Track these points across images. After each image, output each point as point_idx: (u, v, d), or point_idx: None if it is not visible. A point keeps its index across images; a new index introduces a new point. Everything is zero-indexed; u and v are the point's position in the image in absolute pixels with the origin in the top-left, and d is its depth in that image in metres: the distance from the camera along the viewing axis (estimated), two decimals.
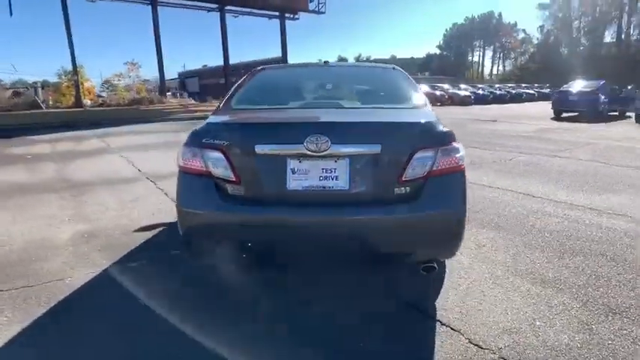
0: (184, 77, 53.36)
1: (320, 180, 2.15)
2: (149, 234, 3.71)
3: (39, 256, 3.24)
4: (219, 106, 2.88)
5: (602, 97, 15.97)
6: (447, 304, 2.50)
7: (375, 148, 2.12)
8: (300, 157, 2.14)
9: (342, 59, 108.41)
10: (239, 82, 3.19)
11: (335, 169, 2.15)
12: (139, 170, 6.62)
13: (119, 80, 23.33)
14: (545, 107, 22.15)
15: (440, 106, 27.22)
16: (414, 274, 2.88)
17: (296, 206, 2.15)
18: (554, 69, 49.20)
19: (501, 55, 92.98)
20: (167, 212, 4.31)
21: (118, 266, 3.05)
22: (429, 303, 2.51)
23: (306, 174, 2.15)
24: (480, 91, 32.83)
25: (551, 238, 3.55)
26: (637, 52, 44.98)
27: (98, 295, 2.66)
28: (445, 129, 2.27)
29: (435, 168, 2.17)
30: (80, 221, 4.10)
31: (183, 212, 2.30)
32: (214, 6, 24.45)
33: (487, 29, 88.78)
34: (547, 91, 38.38)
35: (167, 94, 26.38)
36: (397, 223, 2.13)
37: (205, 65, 53.56)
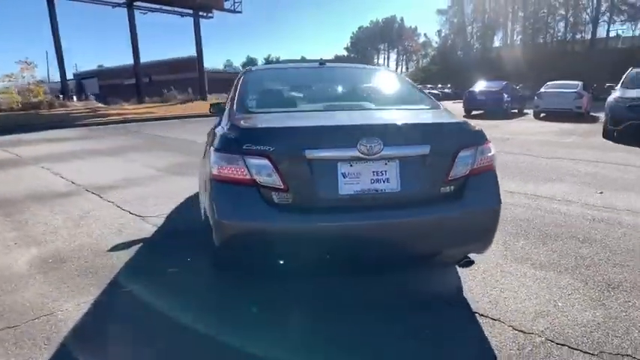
0: (81, 78, 48.94)
1: (371, 183, 2.11)
2: (128, 253, 3.33)
3: (3, 289, 2.74)
4: (230, 110, 2.66)
5: (506, 96, 17.79)
6: (473, 296, 2.59)
7: (425, 149, 2.14)
8: (352, 160, 2.08)
9: (250, 60, 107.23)
10: (237, 84, 2.99)
11: (385, 171, 2.12)
12: (73, 182, 5.91)
13: (10, 81, 20.62)
14: (453, 106, 24.06)
15: None
16: (429, 272, 2.96)
17: (350, 212, 2.08)
18: (453, 70, 53.64)
19: (404, 57, 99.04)
20: (134, 228, 3.92)
21: (111, 293, 2.69)
22: (457, 297, 2.59)
23: (357, 178, 2.09)
24: None
25: (526, 226, 3.86)
26: (521, 54, 50.82)
27: (110, 329, 2.31)
28: (479, 129, 2.36)
29: (474, 167, 2.24)
30: (31, 244, 3.54)
31: (224, 224, 2.10)
32: (122, 1, 22.70)
33: (391, 33, 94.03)
34: (449, 91, 41.61)
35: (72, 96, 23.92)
36: (447, 222, 2.17)
37: (101, 65, 49.82)
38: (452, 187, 2.21)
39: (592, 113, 16.50)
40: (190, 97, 26.73)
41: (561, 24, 51.03)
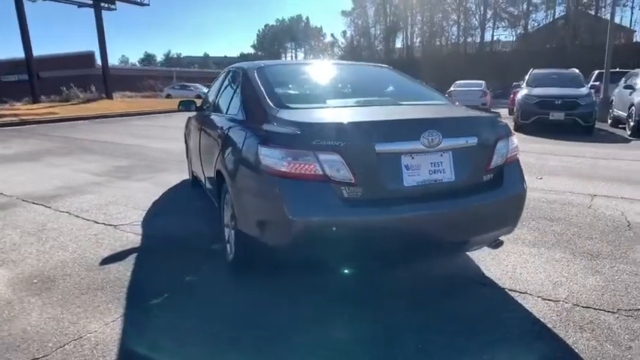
0: None
1: (430, 174, 2.20)
2: (125, 265, 3.03)
3: None
4: (258, 106, 2.56)
5: None
6: (495, 274, 2.83)
7: (473, 140, 2.30)
8: (414, 153, 2.15)
9: (148, 56, 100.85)
10: (245, 81, 2.89)
11: (441, 162, 2.23)
12: (3, 194, 5.15)
13: None
14: None
15: None
16: (443, 258, 3.14)
17: (414, 202, 2.15)
18: None
19: (311, 56, 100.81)
20: (113, 238, 3.57)
21: (138, 308, 2.45)
22: (484, 278, 2.80)
23: (418, 169, 2.18)
24: None
25: None
26: (420, 56, 54.79)
27: (165, 344, 2.11)
28: (505, 122, 2.59)
29: (508, 155, 2.46)
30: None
31: (298, 222, 2.04)
32: None
33: (297, 32, 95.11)
34: None
35: None
36: (494, 207, 2.35)
37: None
38: (491, 175, 2.40)
39: (492, 109, 18.44)
40: (95, 96, 24.44)
41: (455, 28, 55.98)
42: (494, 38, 54.76)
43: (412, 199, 2.17)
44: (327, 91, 3.03)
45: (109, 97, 25.86)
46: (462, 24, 55.08)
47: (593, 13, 46.76)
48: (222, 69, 4.43)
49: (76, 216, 4.20)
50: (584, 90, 10.64)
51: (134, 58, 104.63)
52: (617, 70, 14.40)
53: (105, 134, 11.33)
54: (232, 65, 3.84)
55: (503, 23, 53.69)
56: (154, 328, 2.26)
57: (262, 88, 2.71)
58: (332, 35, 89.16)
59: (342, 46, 76.77)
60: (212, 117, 3.56)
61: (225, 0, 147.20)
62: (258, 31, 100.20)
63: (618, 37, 46.78)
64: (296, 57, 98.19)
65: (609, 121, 12.27)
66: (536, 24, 51.46)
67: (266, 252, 2.36)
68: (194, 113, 4.98)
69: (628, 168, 6.42)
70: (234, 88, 3.24)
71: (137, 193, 5.02)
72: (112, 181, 5.72)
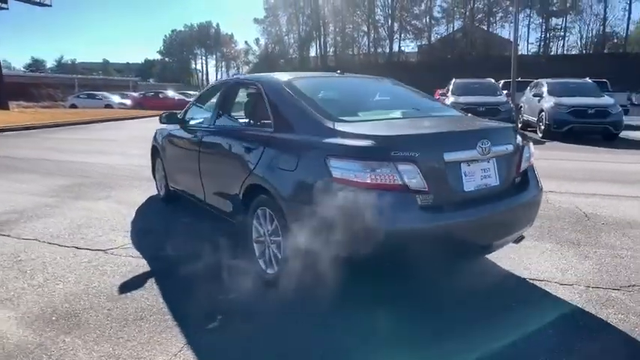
0: None
1: (481, 179, 2.42)
2: (151, 291, 2.83)
3: None
4: (306, 119, 2.60)
5: None
6: (510, 267, 3.15)
7: (510, 147, 2.57)
8: (470, 161, 2.35)
9: (36, 61, 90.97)
10: (287, 94, 2.87)
11: (489, 168, 2.46)
12: None
13: None
14: None
15: None
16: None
17: (474, 206, 2.35)
18: None
19: (224, 63, 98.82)
20: (113, 264, 3.31)
21: (198, 334, 2.32)
22: (506, 271, 3.09)
23: (472, 176, 2.38)
24: None
25: None
26: (335, 65, 56.72)
27: None
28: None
29: (530, 160, 2.78)
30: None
31: (383, 231, 2.12)
32: None
33: (207, 38, 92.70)
34: None
35: None
36: (527, 206, 2.64)
37: None
38: (519, 179, 2.70)
39: None
40: None
41: (365, 39, 58.97)
42: (402, 49, 58.74)
43: (471, 203, 2.37)
44: (363, 104, 3.12)
45: (4, 107, 22.98)
46: (372, 35, 58.17)
47: (485, 27, 52.30)
48: (128, 76, 4.28)
49: (50, 243, 3.78)
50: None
51: (17, 63, 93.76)
52: (520, 79, 16.30)
53: (23, 149, 10.11)
54: (237, 78, 3.76)
55: (409, 35, 57.78)
56: (228, 350, 2.17)
57: (304, 102, 2.73)
58: (246, 42, 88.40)
59: (257, 54, 76.65)
60: (221, 131, 3.48)
61: (124, 3, 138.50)
62: (165, 36, 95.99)
63: (507, 50, 52.91)
64: (207, 64, 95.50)
65: (519, 125, 13.88)
66: (438, 36, 56.14)
67: (323, 264, 2.38)
68: (165, 126, 4.78)
69: (557, 166, 7.36)
70: (255, 101, 3.19)
71: (106, 214, 4.63)
72: (66, 202, 5.18)
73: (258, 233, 2.97)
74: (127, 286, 2.91)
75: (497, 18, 51.57)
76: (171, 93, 31.60)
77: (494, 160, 2.51)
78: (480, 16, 51.69)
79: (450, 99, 12.23)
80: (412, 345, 2.22)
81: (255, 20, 72.18)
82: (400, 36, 56.84)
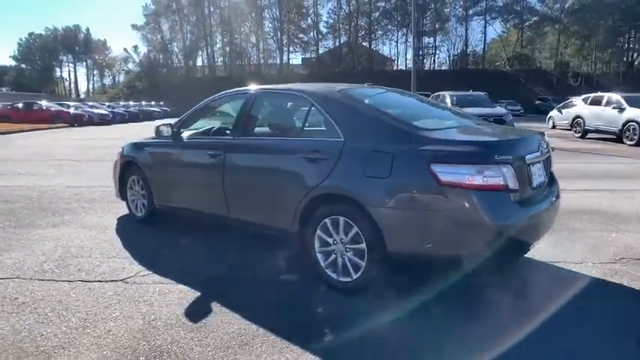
0: None
1: (539, 177, 2.79)
2: (222, 313, 2.64)
3: None
4: (391, 129, 2.72)
5: None
6: (529, 253, 3.60)
7: (548, 150, 3.01)
8: (536, 161, 2.71)
9: None
10: (353, 105, 2.95)
11: (541, 167, 2.85)
12: None
13: None
14: None
15: (78, 126, 24.70)
16: None
17: (541, 200, 2.72)
18: (162, 88, 53.29)
19: (96, 72, 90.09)
20: (147, 293, 2.99)
21: (321, 348, 2.24)
22: (527, 257, 3.53)
23: (536, 174, 2.74)
24: (118, 110, 32.05)
25: None
26: (224, 76, 55.82)
27: None
28: None
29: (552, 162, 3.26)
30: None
31: (497, 227, 2.37)
32: None
33: (75, 43, 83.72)
34: (160, 109, 40.34)
35: None
36: (559, 200, 3.09)
37: None
38: (549, 178, 3.15)
39: None
40: None
41: (255, 50, 59.00)
42: (291, 61, 60.23)
43: (537, 197, 2.74)
44: (417, 114, 3.27)
45: None
46: (262, 46, 58.56)
47: (367, 44, 56.33)
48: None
49: (42, 280, 3.22)
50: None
51: None
52: (421, 92, 18.05)
53: None
54: (268, 89, 3.60)
55: (297, 48, 59.52)
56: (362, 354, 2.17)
57: (376, 112, 2.83)
58: (125, 50, 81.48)
59: (137, 62, 71.38)
60: (255, 144, 3.40)
61: None
62: (20, 39, 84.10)
63: (387, 65, 57.76)
64: (75, 72, 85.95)
65: None
66: (326, 49, 58.72)
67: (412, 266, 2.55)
68: (142, 139, 4.44)
69: None
70: (304, 112, 3.17)
71: (83, 242, 4.06)
72: (14, 232, 4.39)
73: (322, 243, 2.95)
74: (194, 313, 2.66)
75: (378, 35, 56.07)
76: (46, 103, 27.78)
77: (542, 161, 2.91)
78: (362, 33, 55.58)
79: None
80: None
81: (134, 26, 67.29)
82: (289, 48, 58.29)
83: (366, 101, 3.00)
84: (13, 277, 3.25)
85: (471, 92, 15.36)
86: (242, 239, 4.00)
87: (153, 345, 2.31)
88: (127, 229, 4.48)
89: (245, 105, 3.58)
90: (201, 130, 4.14)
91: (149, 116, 35.32)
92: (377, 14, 54.95)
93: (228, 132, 3.72)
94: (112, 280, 3.19)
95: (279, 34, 56.70)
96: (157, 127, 4.09)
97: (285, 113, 3.55)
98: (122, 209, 5.07)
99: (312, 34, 57.95)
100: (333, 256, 2.91)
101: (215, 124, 4.24)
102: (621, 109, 12.86)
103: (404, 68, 55.11)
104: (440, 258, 2.51)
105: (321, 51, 57.84)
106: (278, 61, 58.29)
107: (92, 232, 4.36)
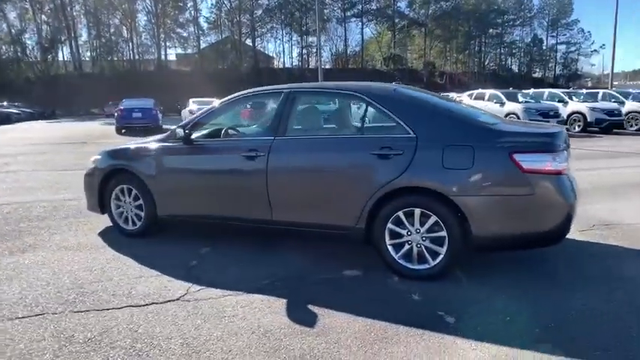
0: None
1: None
2: (347, 318, 2.62)
3: None
4: (466, 123, 2.98)
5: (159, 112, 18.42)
6: None
7: None
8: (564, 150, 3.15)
9: None
10: (420, 103, 3.10)
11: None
12: None
13: None
14: (90, 126, 22.14)
15: None
16: None
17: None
18: (13, 84, 45.93)
19: None
20: (220, 308, 2.82)
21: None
22: None
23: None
24: None
25: None
26: (93, 72, 50.26)
27: None
28: None
29: None
30: None
31: (571, 205, 2.79)
32: None
33: None
34: (19, 111, 34.82)
35: None
36: None
37: None
38: None
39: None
40: None
41: (129, 45, 53.92)
42: (169, 57, 56.76)
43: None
44: (467, 110, 3.48)
45: None
46: (137, 41, 54.05)
47: (251, 42, 55.73)
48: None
49: (80, 311, 2.77)
50: None
51: None
52: None
53: None
54: (309, 88, 3.55)
55: (175, 43, 56.26)
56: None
57: (446, 110, 3.04)
58: None
59: None
60: (308, 143, 3.38)
61: None
62: None
63: (270, 63, 58.06)
64: None
65: None
66: (206, 44, 56.45)
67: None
68: (127, 145, 4.06)
69: None
70: (362, 110, 3.24)
71: (89, 264, 3.53)
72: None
73: (394, 235, 3.08)
74: (301, 319, 2.58)
75: (262, 32, 55.87)
76: None
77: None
78: (246, 31, 54.76)
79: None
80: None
81: None
82: (166, 44, 54.77)
83: (426, 100, 3.20)
84: (36, 315, 2.72)
85: None
86: (263, 241, 3.90)
87: (294, 354, 2.22)
88: (123, 244, 3.97)
89: (283, 104, 3.47)
90: (210, 131, 3.89)
91: (7, 119, 30.11)
92: (260, 12, 54.78)
93: (260, 132, 3.58)
94: (170, 301, 2.88)
95: (155, 28, 52.89)
96: (174, 130, 3.74)
97: (336, 112, 3.55)
98: (93, 224, 4.54)
99: (192, 28, 55.32)
100: (407, 246, 3.06)
101: (223, 125, 4.00)
102: (502, 103, 15.09)
103: (290, 66, 56.07)
104: (522, 236, 2.85)
105: (204, 47, 55.57)
106: (155, 57, 54.41)
107: (85, 253, 3.78)
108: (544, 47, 59.75)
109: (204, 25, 55.77)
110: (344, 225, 3.24)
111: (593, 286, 2.97)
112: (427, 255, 3.01)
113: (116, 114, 18.02)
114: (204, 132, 3.84)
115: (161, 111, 20.39)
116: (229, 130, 3.90)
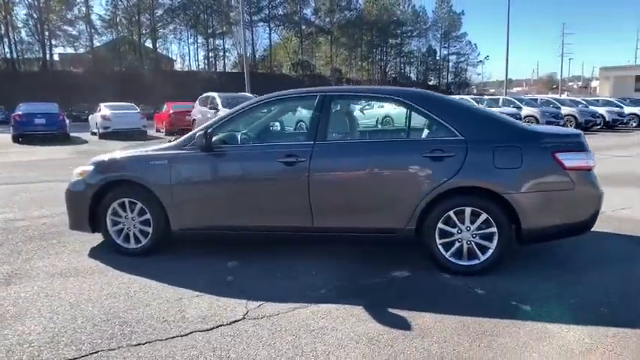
0: None
1: None
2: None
3: None
4: (506, 127, 3.23)
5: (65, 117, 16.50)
6: None
7: None
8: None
9: None
10: (466, 108, 3.34)
11: None
12: None
13: None
14: None
15: None
16: None
17: None
18: None
19: None
20: (316, 324, 2.72)
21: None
22: None
23: None
24: None
25: None
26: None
27: None
28: None
29: None
30: None
31: (599, 196, 3.16)
32: None
33: None
34: None
35: None
36: None
37: None
38: None
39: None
40: None
41: (4, 42, 47.02)
42: (55, 57, 51.04)
43: None
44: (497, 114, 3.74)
45: None
46: (14, 38, 47.50)
47: (151, 44, 52.43)
48: None
49: (138, 344, 2.43)
50: None
51: None
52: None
53: None
54: (346, 92, 3.54)
55: (63, 42, 50.72)
56: None
57: (490, 114, 3.24)
58: None
59: None
60: (353, 147, 3.41)
61: None
62: None
63: (167, 65, 55.24)
64: None
65: None
66: (100, 43, 51.75)
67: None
68: (133, 152, 3.73)
69: None
70: (405, 114, 3.31)
71: (111, 289, 3.10)
72: None
73: (444, 234, 3.21)
74: (399, 323, 2.56)
75: (164, 33, 52.90)
76: None
77: None
78: (147, 31, 51.35)
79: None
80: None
81: None
82: (51, 42, 48.93)
83: (463, 103, 3.40)
84: (90, 354, 2.33)
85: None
86: (286, 250, 3.78)
87: (417, 357, 2.21)
88: (127, 265, 3.52)
89: (319, 108, 3.40)
90: (232, 137, 3.66)
91: None
92: (161, 12, 51.83)
93: (293, 136, 3.48)
94: (236, 321, 2.66)
95: (38, 24, 47.06)
96: (191, 135, 3.44)
97: (377, 115, 3.57)
98: (71, 245, 4.05)
99: (83, 26, 50.27)
100: (458, 244, 3.20)
101: (251, 130, 3.79)
102: (519, 107, 18.10)
103: (196, 69, 53.94)
104: (563, 227, 3.16)
105: (98, 46, 50.87)
106: (41, 56, 48.42)
107: (89, 278, 3.31)
108: (438, 57, 65.93)
109: (98, 24, 51.03)
110: (392, 227, 3.28)
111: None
112: (477, 251, 3.19)
113: (13, 120, 15.71)
114: (226, 137, 3.59)
115: (68, 116, 18.34)
116: (251, 134, 3.71)
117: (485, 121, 3.32)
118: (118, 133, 16.53)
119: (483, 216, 3.13)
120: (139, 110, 17.60)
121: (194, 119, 15.46)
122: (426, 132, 3.44)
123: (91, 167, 3.76)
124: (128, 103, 18.26)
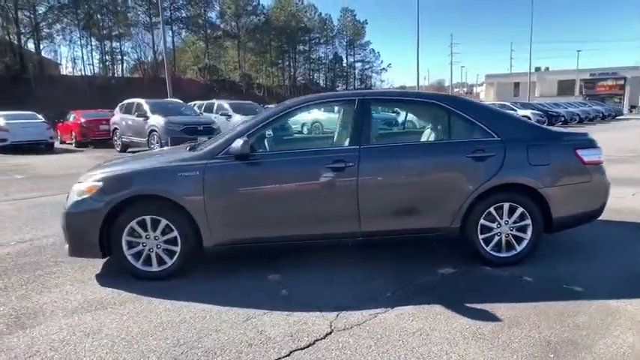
0: None
1: None
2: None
3: None
4: (533, 128, 3.51)
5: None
6: None
7: None
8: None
9: None
10: (497, 111, 3.54)
11: None
12: None
13: None
14: None
15: None
16: None
17: None
18: None
19: None
20: (375, 337, 2.73)
21: None
22: None
23: None
24: None
25: None
26: None
27: None
28: None
29: None
30: None
31: (608, 186, 3.57)
32: None
33: None
34: None
35: None
36: None
37: None
38: None
39: None
40: None
41: None
42: None
43: None
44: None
45: None
46: None
47: (34, 46, 46.58)
48: None
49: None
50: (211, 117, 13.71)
51: None
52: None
53: None
54: (383, 97, 3.51)
55: None
56: None
57: (517, 117, 3.51)
58: None
59: None
60: (407, 148, 3.53)
61: None
62: None
63: (55, 69, 49.72)
64: None
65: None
66: None
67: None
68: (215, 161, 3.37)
69: None
70: (444, 116, 3.46)
71: (158, 320, 2.76)
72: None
73: (485, 229, 3.42)
74: (493, 326, 2.68)
75: (50, 33, 47.22)
76: None
77: None
78: (28, 30, 45.40)
79: (159, 119, 11.98)
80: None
81: None
82: None
83: (491, 106, 3.65)
84: None
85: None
86: (320, 257, 3.72)
87: (532, 342, 2.34)
88: (157, 289, 3.16)
89: (360, 112, 3.41)
90: (270, 143, 3.50)
91: None
92: (44, 9, 46.34)
93: (333, 141, 3.44)
94: (329, 334, 2.56)
95: None
96: (221, 142, 3.22)
97: (420, 119, 3.63)
98: (70, 275, 3.53)
99: None
100: (497, 237, 3.44)
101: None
102: (514, 110, 19.57)
103: (91, 74, 49.18)
104: (582, 214, 3.55)
105: None
106: None
107: (122, 310, 2.90)
108: (344, 64, 68.48)
109: None
110: (438, 226, 3.41)
111: None
112: (514, 242, 3.45)
113: None
114: (262, 143, 3.41)
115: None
116: (286, 140, 3.58)
117: (514, 122, 3.62)
118: (20, 147, 14.47)
119: (519, 210, 3.40)
120: (43, 120, 15.54)
121: (115, 128, 14.20)
122: (465, 134, 3.62)
123: (100, 183, 3.30)
124: (29, 112, 15.99)
